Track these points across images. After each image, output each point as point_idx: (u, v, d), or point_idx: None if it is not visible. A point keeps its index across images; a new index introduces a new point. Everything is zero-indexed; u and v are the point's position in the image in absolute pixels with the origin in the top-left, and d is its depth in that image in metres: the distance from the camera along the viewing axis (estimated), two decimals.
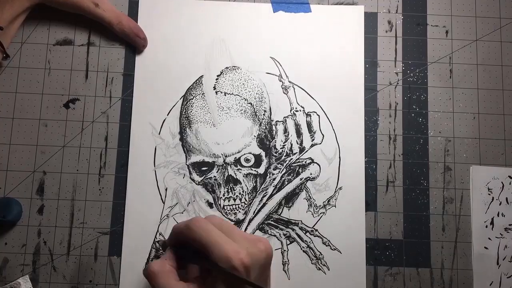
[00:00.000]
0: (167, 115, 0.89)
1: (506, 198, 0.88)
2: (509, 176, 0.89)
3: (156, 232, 0.86)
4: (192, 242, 0.72)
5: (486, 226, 0.88)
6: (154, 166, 0.88)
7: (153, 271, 0.72)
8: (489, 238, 0.87)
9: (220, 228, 0.72)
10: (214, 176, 0.88)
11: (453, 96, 0.91)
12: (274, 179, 0.88)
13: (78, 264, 0.86)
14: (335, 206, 0.87)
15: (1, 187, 0.88)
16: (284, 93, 0.90)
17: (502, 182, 0.89)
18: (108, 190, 0.88)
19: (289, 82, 0.90)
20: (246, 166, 0.88)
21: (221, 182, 0.88)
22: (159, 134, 0.89)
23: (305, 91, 0.90)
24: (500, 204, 0.88)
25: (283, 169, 0.88)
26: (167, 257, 0.75)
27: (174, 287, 0.70)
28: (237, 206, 0.87)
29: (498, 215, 0.88)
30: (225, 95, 0.90)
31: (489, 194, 0.88)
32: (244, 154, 0.88)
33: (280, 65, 0.91)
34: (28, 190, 0.88)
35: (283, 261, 0.86)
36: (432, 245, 0.88)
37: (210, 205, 0.87)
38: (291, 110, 0.90)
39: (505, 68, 0.92)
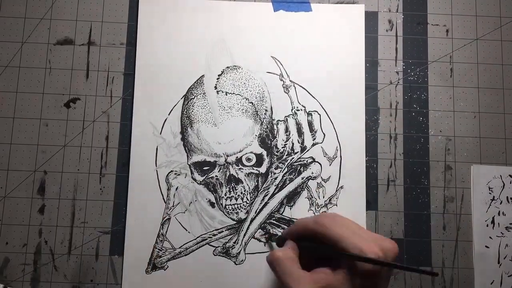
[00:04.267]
0: (168, 114, 0.89)
1: (507, 197, 0.88)
2: (510, 175, 0.89)
3: (158, 232, 0.86)
4: (321, 236, 0.72)
5: (487, 225, 0.88)
6: (156, 166, 0.88)
7: (277, 257, 0.73)
8: (490, 237, 0.88)
9: (345, 225, 0.72)
10: (216, 176, 0.88)
11: (454, 95, 0.92)
12: (275, 178, 0.88)
13: (79, 264, 0.86)
14: (337, 205, 0.88)
15: (2, 186, 0.88)
16: (285, 92, 0.90)
17: (502, 181, 0.89)
18: (109, 189, 0.88)
19: (290, 81, 0.90)
20: (247, 166, 0.88)
21: (222, 182, 0.88)
22: (161, 134, 0.89)
23: (306, 90, 0.90)
24: (501, 203, 0.88)
25: (284, 168, 0.88)
26: (290, 246, 0.76)
27: (298, 273, 0.70)
28: (238, 205, 0.87)
29: (499, 214, 0.88)
30: (226, 95, 0.90)
31: (490, 193, 0.89)
32: (246, 153, 0.88)
33: (281, 64, 0.91)
34: (29, 189, 0.88)
35: None
36: (433, 244, 0.88)
37: (212, 204, 0.87)
38: (292, 109, 0.90)
39: (505, 67, 0.92)
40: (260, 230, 0.87)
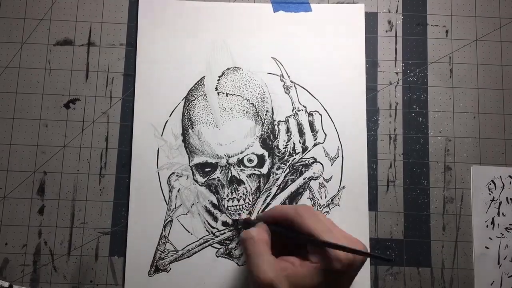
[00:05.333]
0: (169, 116, 0.89)
1: (507, 198, 0.89)
2: (510, 176, 0.89)
3: (161, 234, 0.86)
4: (297, 226, 0.72)
5: (487, 226, 0.88)
6: (157, 168, 0.88)
7: (252, 237, 0.72)
8: (490, 238, 0.88)
9: (322, 221, 0.72)
10: (218, 177, 0.88)
11: (453, 96, 0.92)
12: (277, 179, 0.88)
13: (78, 264, 0.86)
14: (339, 205, 0.88)
15: (2, 187, 0.87)
16: (286, 93, 0.90)
17: (502, 182, 0.89)
18: (108, 190, 0.88)
19: (291, 81, 0.90)
20: (249, 167, 0.88)
21: (224, 183, 0.87)
22: (162, 135, 0.88)
23: (307, 91, 0.90)
24: (500, 204, 0.89)
25: (286, 169, 0.88)
26: (264, 229, 0.75)
27: (267, 257, 0.70)
28: (241, 206, 0.87)
29: (498, 214, 0.88)
30: (227, 96, 0.90)
31: (489, 194, 0.89)
32: (247, 154, 0.88)
33: (282, 65, 0.91)
34: (28, 190, 0.87)
35: None
36: (432, 244, 0.88)
37: (214, 206, 0.87)
38: (293, 110, 0.90)
39: (505, 67, 0.92)
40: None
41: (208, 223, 0.87)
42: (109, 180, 0.88)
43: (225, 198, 0.87)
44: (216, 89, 0.90)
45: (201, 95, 0.90)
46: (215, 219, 0.87)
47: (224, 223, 0.87)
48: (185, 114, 0.89)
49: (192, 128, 0.89)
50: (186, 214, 0.87)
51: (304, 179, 0.89)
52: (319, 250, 0.69)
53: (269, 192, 0.88)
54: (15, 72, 0.90)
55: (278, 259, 0.71)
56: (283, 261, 0.70)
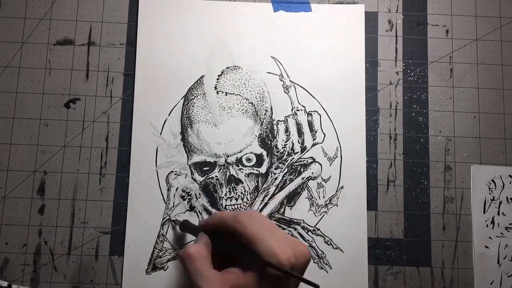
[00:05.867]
0: (168, 115, 0.89)
1: (507, 197, 0.88)
2: (510, 175, 0.89)
3: (159, 232, 0.86)
4: (238, 234, 0.71)
5: (487, 225, 0.88)
6: (156, 166, 0.88)
7: (191, 254, 0.71)
8: (490, 237, 0.88)
9: (263, 225, 0.72)
10: (216, 176, 0.87)
11: (454, 96, 0.92)
12: (275, 178, 0.88)
13: (79, 264, 0.86)
14: (337, 205, 0.88)
15: (2, 187, 0.88)
16: (285, 92, 0.90)
17: (502, 181, 0.89)
18: (109, 189, 0.88)
19: (290, 81, 0.90)
20: (247, 166, 0.88)
21: (223, 182, 0.87)
22: (161, 134, 0.88)
23: (306, 90, 0.90)
24: (500, 203, 0.88)
25: (284, 169, 0.88)
26: (204, 242, 0.74)
27: (209, 273, 0.69)
28: (239, 206, 0.87)
29: (498, 214, 0.88)
30: (226, 95, 0.90)
31: (489, 193, 0.89)
32: (246, 153, 0.88)
33: (281, 65, 0.91)
34: (28, 190, 0.88)
35: None
36: (432, 244, 0.88)
37: (212, 205, 0.87)
38: (292, 110, 0.90)
39: (505, 67, 0.92)
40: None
41: None
42: (109, 180, 0.88)
43: (223, 197, 0.87)
44: (216, 88, 0.90)
45: (200, 94, 0.90)
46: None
47: None
48: (184, 113, 0.89)
49: (191, 127, 0.89)
50: (184, 213, 0.87)
51: (302, 179, 0.88)
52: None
53: (267, 192, 0.87)
54: (15, 72, 0.90)
55: (221, 272, 0.70)
56: (226, 274, 0.69)
